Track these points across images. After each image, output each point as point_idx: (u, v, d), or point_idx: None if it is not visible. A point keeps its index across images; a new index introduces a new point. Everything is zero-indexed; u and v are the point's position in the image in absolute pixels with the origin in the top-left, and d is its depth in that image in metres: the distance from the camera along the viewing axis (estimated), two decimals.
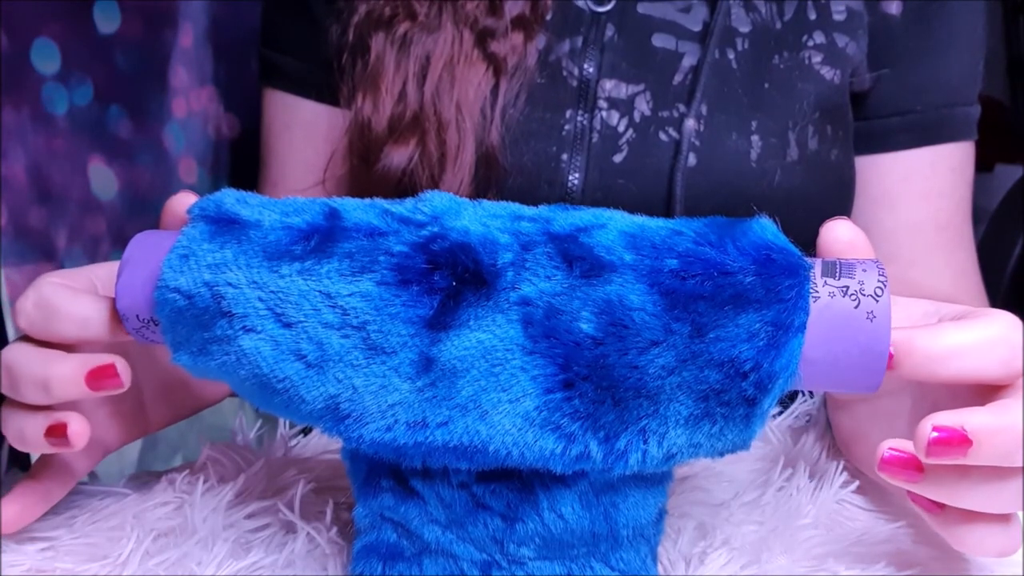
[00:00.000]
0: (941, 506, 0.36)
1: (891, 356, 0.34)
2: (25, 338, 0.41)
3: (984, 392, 0.35)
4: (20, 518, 0.43)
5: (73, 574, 0.42)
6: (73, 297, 0.40)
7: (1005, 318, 0.35)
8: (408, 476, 0.38)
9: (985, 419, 0.33)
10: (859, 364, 0.34)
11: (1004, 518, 0.36)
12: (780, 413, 0.55)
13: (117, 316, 0.39)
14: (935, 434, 0.32)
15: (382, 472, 0.39)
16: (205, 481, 0.48)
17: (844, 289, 0.34)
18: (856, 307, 0.34)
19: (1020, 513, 0.36)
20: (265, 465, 0.50)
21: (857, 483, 0.48)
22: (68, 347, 0.41)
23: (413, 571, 0.39)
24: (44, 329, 0.40)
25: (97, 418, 0.45)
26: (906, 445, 0.34)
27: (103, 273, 0.43)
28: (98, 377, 0.39)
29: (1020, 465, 0.33)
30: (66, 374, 0.39)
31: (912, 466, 0.34)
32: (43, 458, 0.44)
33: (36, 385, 0.39)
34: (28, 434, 0.40)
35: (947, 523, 0.36)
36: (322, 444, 0.54)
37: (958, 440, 0.32)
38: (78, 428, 0.40)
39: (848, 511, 0.47)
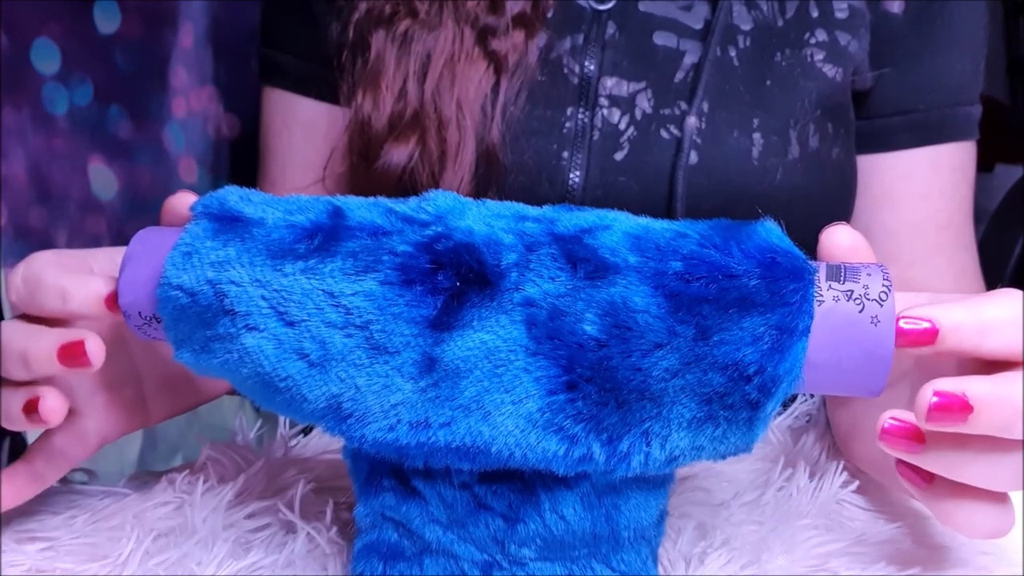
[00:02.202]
0: (930, 480, 0.36)
1: (934, 331, 0.34)
2: (20, 317, 0.42)
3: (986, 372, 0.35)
4: (11, 499, 0.42)
5: (73, 574, 0.42)
6: (59, 271, 0.40)
7: (1020, 295, 0.35)
8: (410, 476, 0.38)
9: (986, 387, 0.33)
10: (863, 368, 0.34)
11: (997, 497, 0.36)
12: (780, 413, 0.55)
13: (103, 296, 0.39)
14: (935, 399, 0.32)
15: (384, 471, 0.39)
16: (205, 481, 0.48)
17: (848, 293, 0.34)
18: (860, 311, 0.34)
19: (1017, 495, 0.36)
20: (265, 465, 0.50)
21: (857, 483, 0.48)
22: (61, 325, 0.41)
23: (414, 571, 0.39)
24: (29, 302, 0.40)
25: (95, 406, 0.45)
26: (907, 416, 0.34)
27: (102, 258, 0.43)
28: (69, 354, 0.39)
29: (1018, 438, 0.33)
30: (41, 348, 0.39)
31: (913, 436, 0.34)
32: (37, 442, 0.44)
33: (16, 359, 0.39)
34: (10, 409, 0.40)
35: (936, 497, 0.36)
36: (322, 444, 0.54)
37: (959, 406, 0.32)
38: (52, 403, 0.39)
39: (848, 511, 0.47)
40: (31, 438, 0.46)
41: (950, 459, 0.34)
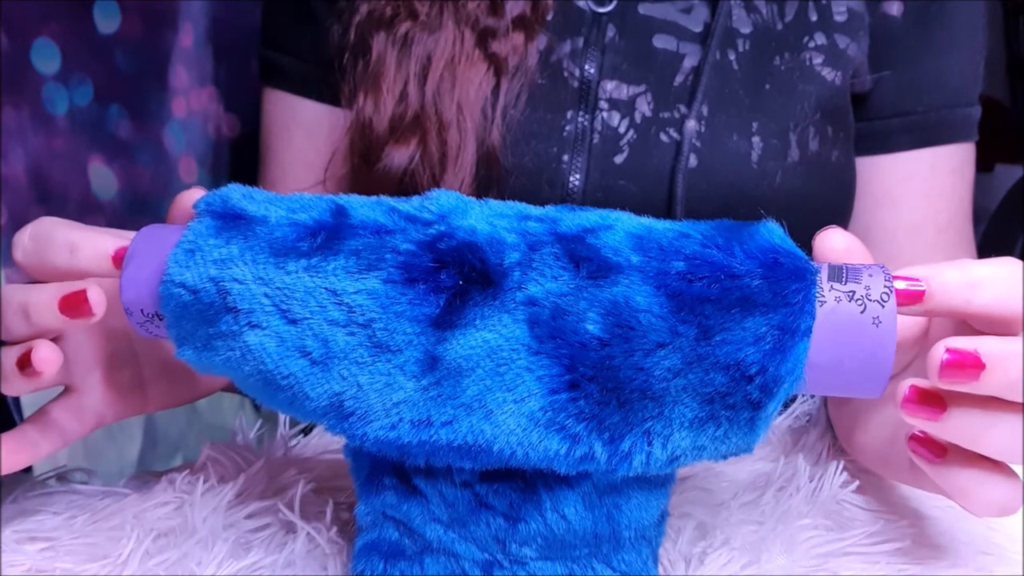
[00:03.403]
0: (942, 454, 0.36)
1: (922, 293, 0.34)
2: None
3: None
4: (3, 464, 0.42)
5: (73, 574, 0.42)
6: (68, 228, 0.40)
7: (1013, 261, 0.35)
8: (411, 474, 0.38)
9: (998, 344, 0.33)
10: (864, 369, 0.34)
11: (1006, 471, 0.36)
12: (780, 413, 0.55)
13: (110, 253, 0.39)
14: (947, 355, 0.32)
15: (385, 470, 0.39)
16: (205, 481, 0.48)
17: (850, 294, 0.34)
18: (862, 312, 0.34)
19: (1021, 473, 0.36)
20: (265, 465, 0.50)
21: (857, 483, 0.48)
22: None
23: (414, 570, 0.39)
24: (37, 258, 0.40)
25: (92, 384, 0.45)
26: (927, 383, 0.34)
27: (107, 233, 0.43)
28: (71, 303, 0.39)
29: None
30: (42, 299, 0.39)
31: (934, 403, 0.34)
32: (33, 415, 0.44)
33: (17, 313, 0.39)
34: (5, 367, 0.40)
35: (947, 471, 0.36)
36: (322, 444, 0.54)
37: (971, 362, 0.32)
38: (45, 353, 0.39)
39: (848, 511, 0.47)
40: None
41: (971, 425, 0.34)
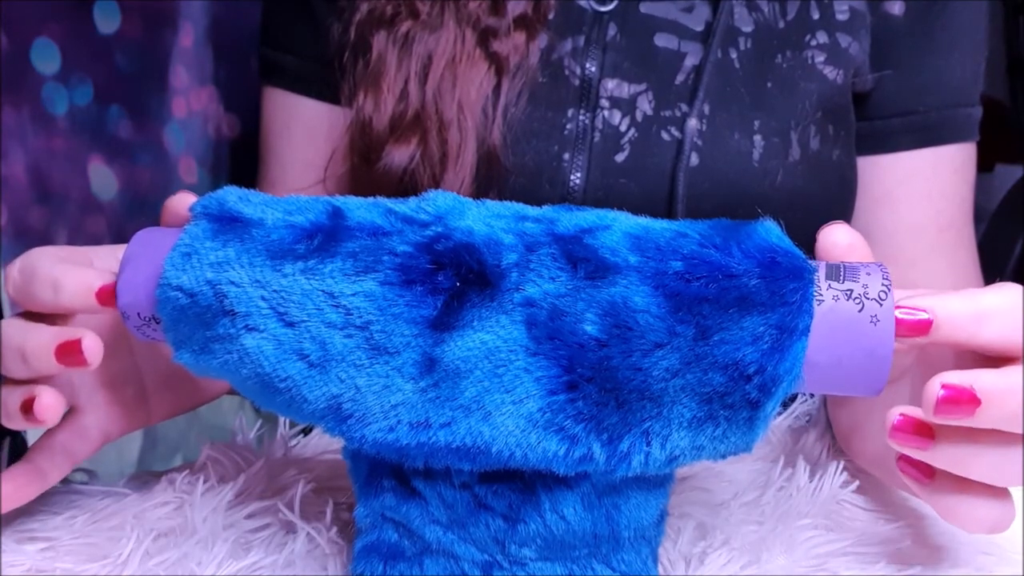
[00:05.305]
0: (931, 475, 0.36)
1: (928, 323, 0.34)
2: (22, 314, 0.42)
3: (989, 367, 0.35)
4: (13, 498, 0.42)
5: (73, 574, 0.42)
6: (53, 263, 0.40)
7: (1018, 289, 0.35)
8: (410, 476, 0.38)
9: (994, 379, 0.32)
10: (862, 368, 0.34)
11: (997, 491, 0.36)
12: (780, 413, 0.55)
13: (93, 289, 0.39)
14: (943, 392, 0.32)
15: (384, 472, 0.39)
16: (205, 481, 0.48)
17: (848, 292, 0.34)
18: (860, 311, 0.34)
19: (1016, 491, 0.36)
20: (265, 465, 0.50)
21: (857, 483, 0.48)
22: (61, 321, 0.41)
23: (414, 571, 0.39)
24: (24, 294, 0.40)
25: (96, 403, 0.45)
26: (916, 412, 0.34)
27: (105, 254, 0.43)
28: (66, 352, 0.39)
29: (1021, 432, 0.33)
30: (38, 344, 0.39)
31: (923, 432, 0.34)
32: (39, 440, 0.44)
33: (15, 356, 0.39)
34: (9, 408, 0.40)
35: (938, 493, 0.36)
36: (322, 444, 0.54)
37: (967, 398, 0.32)
38: (47, 401, 0.39)
39: (848, 511, 0.47)
40: (32, 437, 0.46)
41: (958, 454, 0.34)
